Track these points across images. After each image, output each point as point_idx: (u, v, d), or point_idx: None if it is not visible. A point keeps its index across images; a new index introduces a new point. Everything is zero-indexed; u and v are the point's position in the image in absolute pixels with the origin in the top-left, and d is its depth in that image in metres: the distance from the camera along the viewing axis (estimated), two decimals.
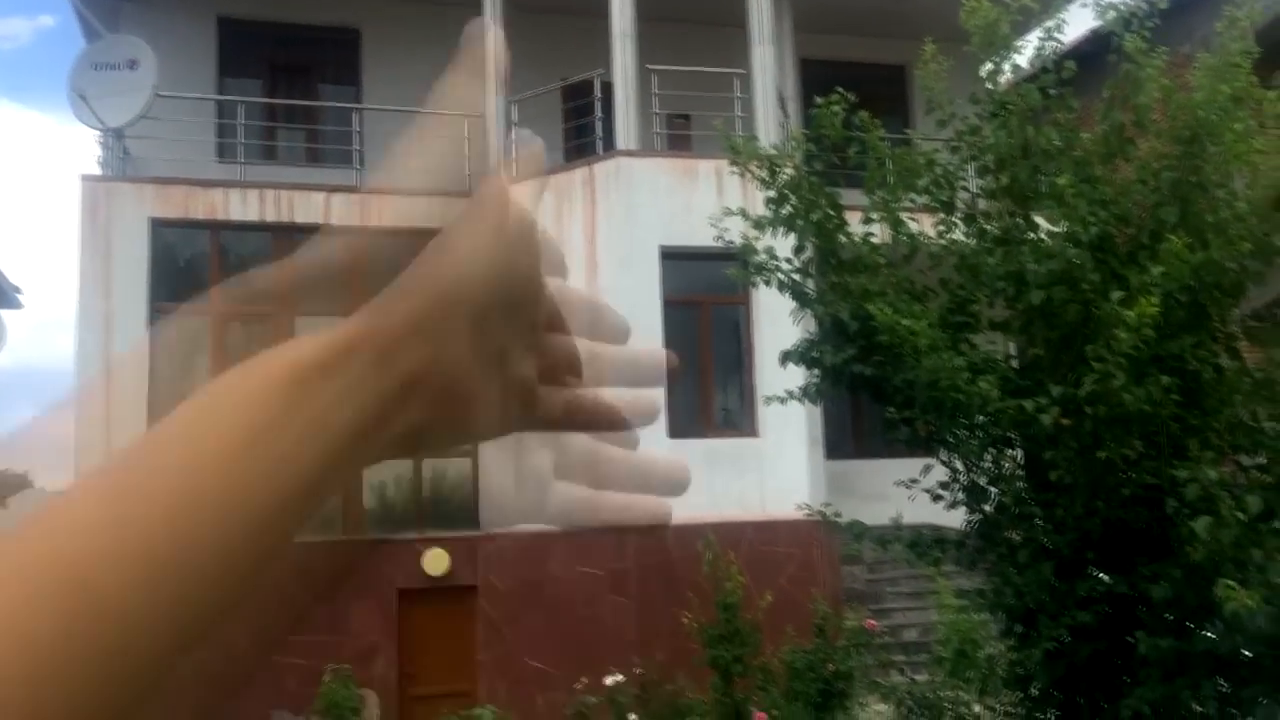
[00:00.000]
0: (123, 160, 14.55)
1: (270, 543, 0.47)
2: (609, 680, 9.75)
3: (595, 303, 0.71)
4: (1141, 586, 5.04)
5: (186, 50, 16.28)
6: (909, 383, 5.44)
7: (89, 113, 14.22)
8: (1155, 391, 4.77)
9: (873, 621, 10.86)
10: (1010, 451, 5.72)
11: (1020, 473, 5.76)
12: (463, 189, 0.65)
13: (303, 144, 16.99)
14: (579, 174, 14.20)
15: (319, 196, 14.19)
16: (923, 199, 5.99)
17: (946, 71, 6.06)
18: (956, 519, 5.99)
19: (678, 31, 15.69)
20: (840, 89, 5.98)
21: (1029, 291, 5.31)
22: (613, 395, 0.69)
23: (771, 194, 5.93)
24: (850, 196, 6.21)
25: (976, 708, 6.24)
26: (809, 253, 6.00)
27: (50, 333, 57.65)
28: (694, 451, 13.46)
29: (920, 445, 5.90)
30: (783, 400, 5.92)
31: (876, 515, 6.38)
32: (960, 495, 5.84)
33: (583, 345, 0.67)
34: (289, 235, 14.15)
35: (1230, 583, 4.28)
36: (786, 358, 5.93)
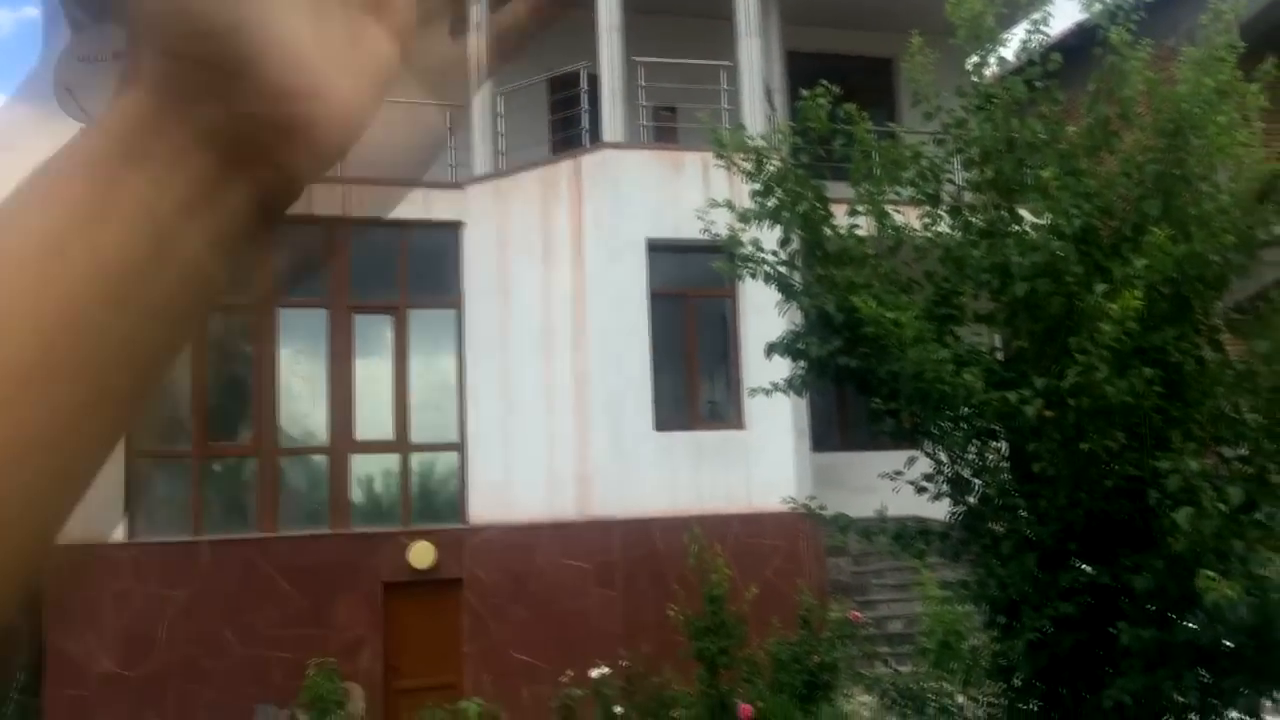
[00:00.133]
0: None
1: (101, 338, 0.45)
2: (595, 673, 9.76)
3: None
4: (1124, 577, 5.06)
5: None
6: (894, 374, 5.45)
7: (75, 105, 14.12)
8: (1138, 383, 4.79)
9: (857, 613, 10.90)
10: (994, 443, 5.74)
11: (1004, 464, 5.79)
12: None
13: None
14: (565, 166, 14.18)
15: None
16: (908, 191, 6.00)
17: (933, 64, 6.07)
18: (941, 511, 6.01)
19: (664, 24, 15.67)
20: (826, 82, 5.98)
21: (1013, 284, 5.32)
22: None
23: (757, 186, 5.93)
24: (836, 189, 6.21)
25: (960, 698, 6.26)
26: (795, 245, 6.00)
27: None
28: (680, 444, 13.48)
29: (905, 437, 5.92)
30: (767, 392, 5.92)
31: (862, 507, 6.40)
32: (945, 487, 5.86)
33: None
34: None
35: (1211, 574, 4.31)
36: (772, 349, 5.94)
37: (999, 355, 5.96)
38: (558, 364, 13.81)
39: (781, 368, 6.06)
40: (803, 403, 13.62)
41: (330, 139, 0.50)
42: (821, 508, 6.20)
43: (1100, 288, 4.86)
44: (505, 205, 14.38)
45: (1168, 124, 5.40)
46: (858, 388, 5.92)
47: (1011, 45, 6.34)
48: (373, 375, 14.24)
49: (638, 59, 14.37)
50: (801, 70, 16.96)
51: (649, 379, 13.58)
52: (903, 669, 8.81)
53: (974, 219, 5.87)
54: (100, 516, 12.93)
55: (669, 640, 10.00)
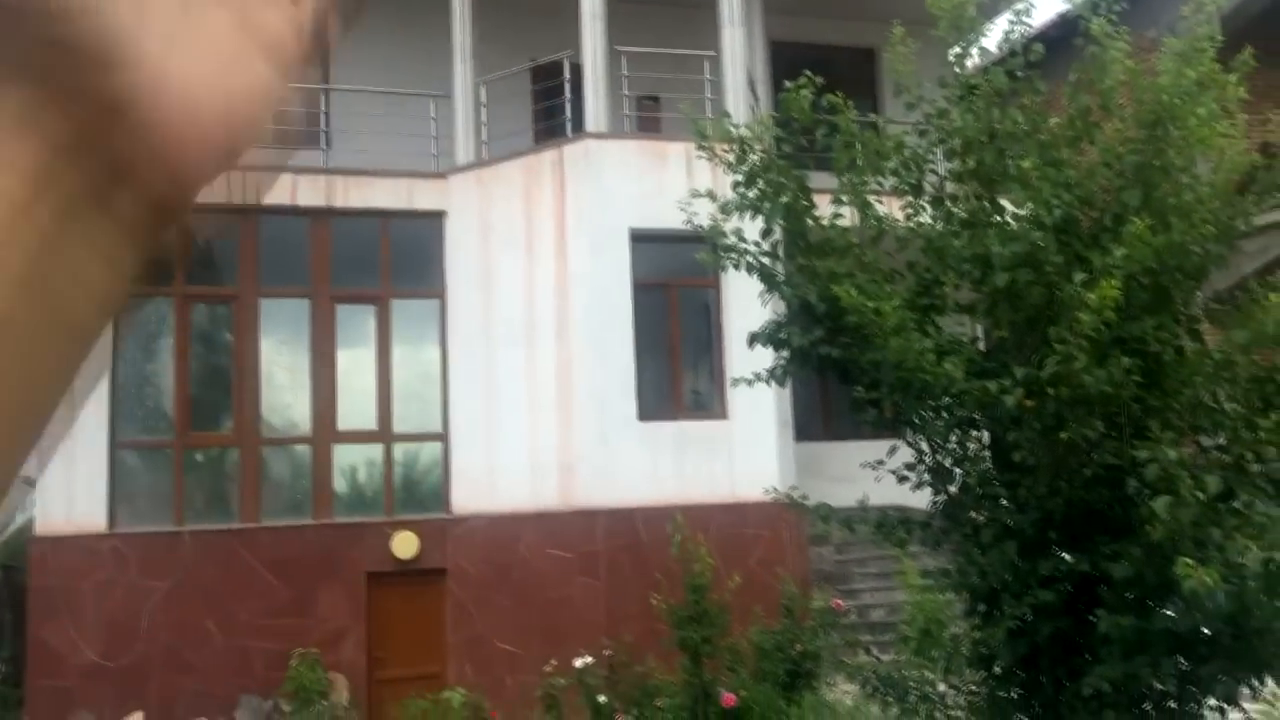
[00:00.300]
0: None
1: None
2: (578, 662, 9.78)
3: None
4: (1103, 565, 5.10)
5: None
6: (875, 364, 5.47)
7: None
8: (1116, 373, 4.82)
9: (840, 602, 10.95)
10: (975, 433, 5.77)
11: (985, 454, 5.82)
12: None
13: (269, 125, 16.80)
14: (548, 156, 14.15)
15: (285, 177, 14.06)
16: (891, 182, 6.01)
17: (915, 55, 6.07)
18: (922, 500, 6.04)
19: (647, 13, 15.64)
20: (809, 72, 5.98)
21: (994, 274, 5.35)
22: None
23: (739, 177, 5.93)
24: (819, 179, 6.22)
25: (941, 686, 6.30)
26: (777, 235, 6.01)
27: None
28: (663, 434, 13.49)
29: (887, 427, 5.94)
30: (750, 382, 5.94)
31: (845, 497, 6.42)
32: (926, 476, 5.89)
33: None
34: (254, 216, 14.03)
35: (1189, 561, 4.34)
36: (754, 339, 5.95)
37: (980, 345, 5.98)
38: (541, 354, 13.80)
39: (765, 358, 6.08)
40: (786, 393, 13.64)
41: (171, 124, 0.45)
42: (804, 497, 6.22)
43: (1080, 277, 4.89)
44: (488, 195, 14.35)
45: (1148, 115, 5.42)
46: (839, 377, 5.94)
47: (993, 36, 6.36)
48: (355, 365, 14.20)
49: (621, 48, 14.34)
50: (784, 60, 16.96)
51: (632, 369, 13.58)
52: (885, 657, 8.86)
53: (956, 209, 5.89)
54: (84, 507, 12.88)
55: (652, 629, 10.02)
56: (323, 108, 15.81)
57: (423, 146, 14.83)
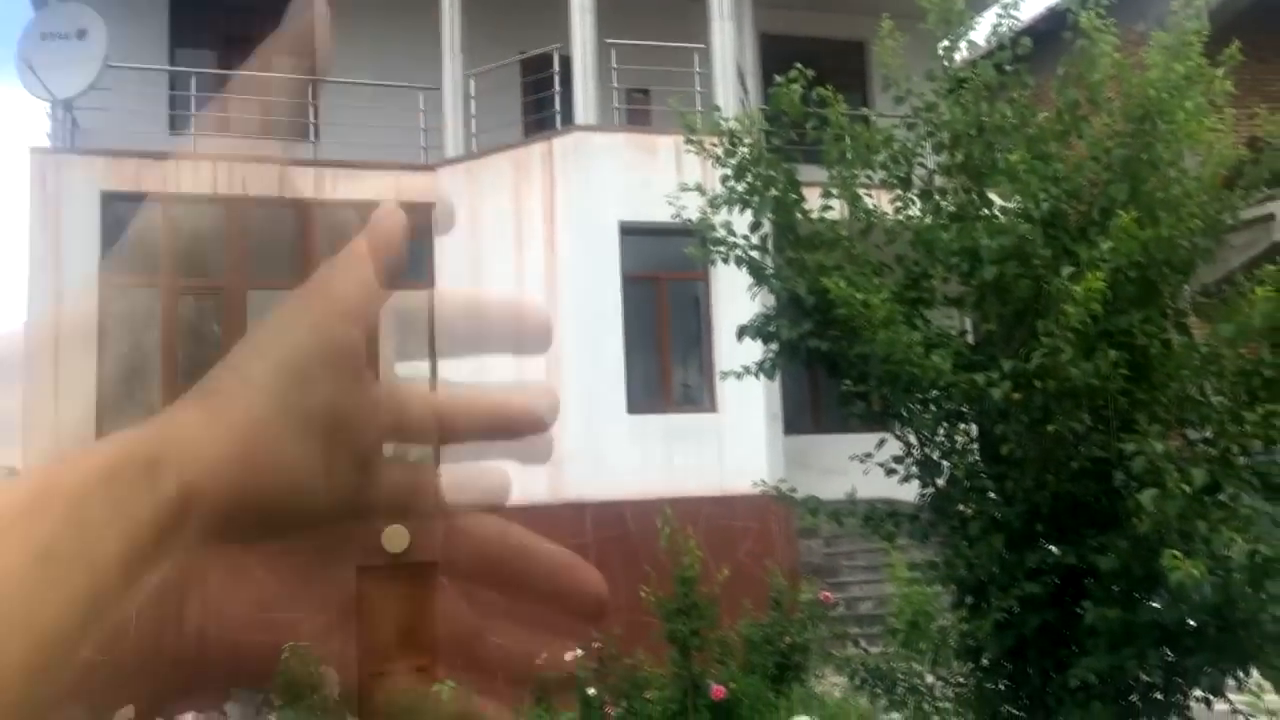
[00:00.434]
0: (72, 132, 14.30)
1: (54, 656, 0.47)
2: (568, 655, 9.78)
3: (517, 310, 0.69)
4: (1089, 558, 5.12)
5: (137, 20, 16.00)
6: (864, 357, 5.48)
7: (37, 83, 13.95)
8: (1103, 366, 4.83)
9: (828, 594, 10.97)
10: (963, 425, 5.78)
11: (972, 446, 5.83)
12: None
13: (256, 116, 16.74)
14: (537, 149, 14.14)
15: (273, 170, 14.00)
16: (880, 175, 6.02)
17: (904, 48, 6.08)
18: (910, 493, 6.05)
19: (637, 6, 15.61)
20: (799, 65, 5.98)
21: (982, 267, 5.36)
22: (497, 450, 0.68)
23: (728, 171, 5.93)
24: (808, 173, 6.22)
25: (929, 678, 6.32)
26: (766, 228, 6.01)
27: None
28: (653, 427, 13.50)
29: (875, 420, 5.95)
30: (739, 375, 5.94)
31: (834, 490, 6.43)
32: (914, 469, 5.90)
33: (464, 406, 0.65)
34: (243, 208, 13.98)
35: (1176, 554, 4.35)
36: (743, 332, 5.95)
37: (969, 338, 5.99)
38: None
39: (754, 351, 6.08)
40: (775, 386, 13.66)
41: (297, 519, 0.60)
42: (792, 490, 6.23)
43: (1067, 271, 4.90)
44: (477, 187, 14.32)
45: (1136, 109, 5.43)
46: (828, 370, 5.94)
47: (982, 30, 6.36)
48: None
49: (611, 41, 14.32)
50: (774, 53, 16.96)
51: (621, 362, 13.58)
52: (873, 649, 8.89)
53: (944, 203, 5.90)
54: None
55: (641, 622, 10.03)
56: (311, 99, 15.75)
57: (412, 139, 14.80)
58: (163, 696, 0.53)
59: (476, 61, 14.87)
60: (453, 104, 14.75)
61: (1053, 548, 5.32)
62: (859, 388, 5.76)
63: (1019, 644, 5.53)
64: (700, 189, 6.01)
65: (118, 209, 13.60)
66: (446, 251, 14.25)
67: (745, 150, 5.92)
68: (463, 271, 14.17)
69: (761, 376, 6.00)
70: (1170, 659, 5.16)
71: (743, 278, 6.06)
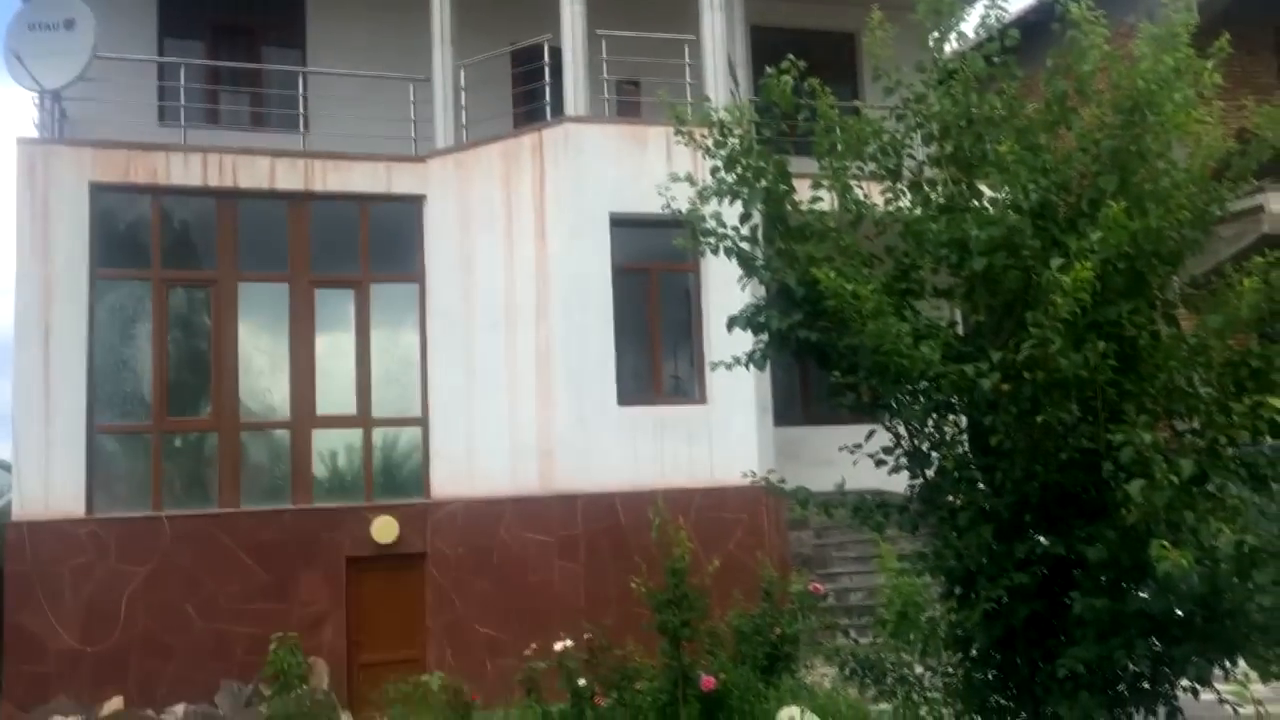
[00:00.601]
0: (60, 123, 14.23)
1: None
2: (558, 646, 9.79)
3: None
4: (1078, 548, 5.14)
5: (126, 10, 15.93)
6: (853, 348, 5.49)
7: (25, 74, 13.87)
8: (1092, 357, 4.85)
9: (818, 585, 11.00)
10: (952, 416, 5.79)
11: (961, 437, 5.84)
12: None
13: (246, 107, 16.70)
14: (528, 140, 14.11)
15: (263, 161, 13.99)
16: (870, 167, 6.02)
17: (893, 39, 6.07)
18: (900, 484, 6.06)
19: None
20: (790, 56, 5.98)
21: (971, 258, 5.36)
22: None
23: (718, 162, 5.92)
24: (798, 164, 6.22)
25: (918, 668, 6.34)
26: (756, 219, 6.01)
27: None
28: (643, 418, 13.51)
29: (865, 411, 5.96)
30: (728, 366, 5.95)
31: (824, 481, 6.45)
32: (903, 460, 5.91)
33: None
34: (232, 200, 13.94)
35: (1164, 544, 4.37)
36: (733, 323, 5.95)
37: (958, 329, 6.00)
38: (520, 338, 13.79)
39: (744, 342, 6.09)
40: (765, 378, 13.68)
41: None
42: (782, 481, 6.24)
43: (1056, 262, 4.91)
44: (467, 179, 14.30)
45: (1125, 101, 5.44)
46: (818, 361, 5.95)
47: (972, 21, 6.36)
48: (334, 350, 14.16)
49: (601, 32, 14.30)
50: (765, 45, 16.97)
51: (612, 353, 13.58)
52: (863, 640, 8.91)
53: (934, 194, 5.91)
54: (62, 491, 12.80)
55: (632, 613, 10.05)
56: (300, 90, 15.71)
57: (402, 130, 14.76)
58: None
59: (467, 52, 14.84)
60: (443, 95, 14.71)
61: (1041, 538, 5.34)
62: (848, 379, 5.77)
63: (1007, 634, 5.55)
64: (690, 179, 6.01)
65: (106, 200, 13.56)
66: (437, 243, 14.23)
67: (735, 141, 5.92)
68: (453, 262, 14.15)
69: (751, 367, 6.00)
70: (1158, 649, 5.18)
71: (733, 269, 6.06)
